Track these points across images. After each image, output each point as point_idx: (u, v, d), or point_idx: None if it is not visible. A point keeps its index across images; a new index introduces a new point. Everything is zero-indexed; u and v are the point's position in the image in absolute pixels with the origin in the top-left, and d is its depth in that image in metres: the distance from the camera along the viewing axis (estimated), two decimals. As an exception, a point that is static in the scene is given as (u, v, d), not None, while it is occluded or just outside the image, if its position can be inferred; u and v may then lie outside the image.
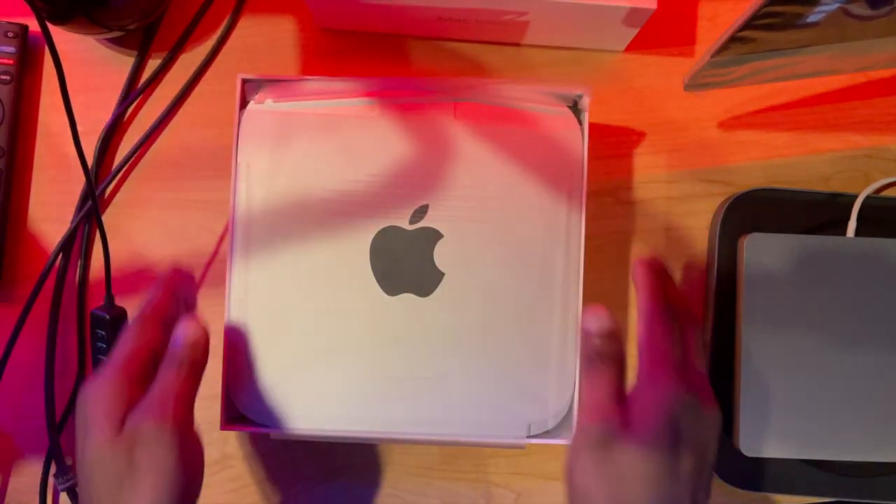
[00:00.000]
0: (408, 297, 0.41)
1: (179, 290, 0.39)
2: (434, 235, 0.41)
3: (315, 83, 0.42)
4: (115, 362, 0.35)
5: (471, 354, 0.41)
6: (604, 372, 0.34)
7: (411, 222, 0.41)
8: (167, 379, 0.35)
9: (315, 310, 0.41)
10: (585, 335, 0.35)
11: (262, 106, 0.42)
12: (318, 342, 0.41)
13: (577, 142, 0.42)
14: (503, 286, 0.41)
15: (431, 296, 0.41)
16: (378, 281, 0.41)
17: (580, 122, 0.42)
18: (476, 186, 0.41)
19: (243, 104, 0.42)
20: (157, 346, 0.36)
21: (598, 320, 0.35)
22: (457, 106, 0.42)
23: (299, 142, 0.41)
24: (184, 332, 0.37)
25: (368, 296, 0.41)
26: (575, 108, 0.43)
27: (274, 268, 0.41)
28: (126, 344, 0.36)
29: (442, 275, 0.41)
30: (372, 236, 0.41)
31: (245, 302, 0.41)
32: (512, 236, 0.41)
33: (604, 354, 0.35)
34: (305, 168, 0.41)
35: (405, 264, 0.41)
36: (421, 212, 0.41)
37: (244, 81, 0.41)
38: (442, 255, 0.41)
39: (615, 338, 0.35)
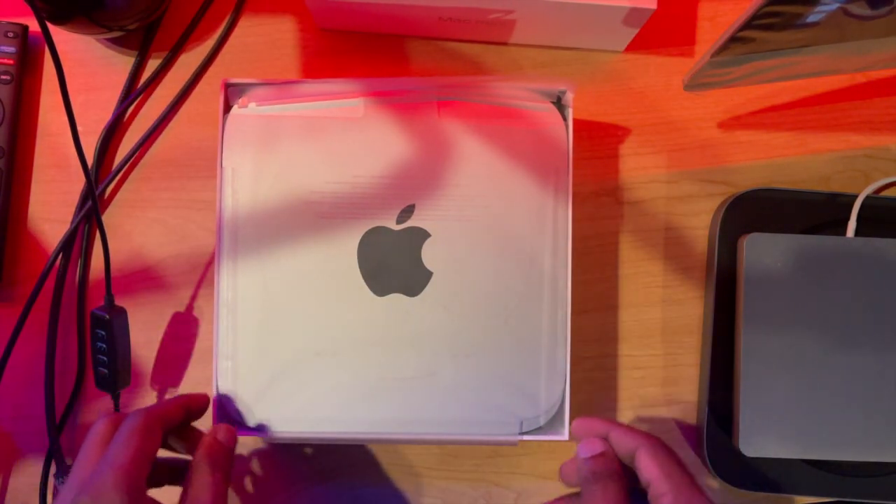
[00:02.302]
0: (397, 298, 0.41)
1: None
2: (421, 235, 0.41)
3: (299, 86, 0.42)
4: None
5: (461, 353, 0.41)
6: (609, 488, 0.35)
7: (398, 222, 0.41)
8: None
9: (304, 313, 0.41)
10: (582, 462, 0.36)
11: (246, 110, 0.42)
12: (307, 345, 0.41)
13: (562, 137, 0.42)
14: (492, 284, 0.41)
15: (420, 295, 0.41)
16: (366, 282, 0.41)
17: (564, 118, 0.42)
18: (462, 185, 0.42)
19: (227, 108, 0.42)
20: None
21: (591, 447, 0.36)
22: (441, 105, 0.42)
23: (284, 145, 0.41)
24: (225, 436, 0.37)
25: (357, 297, 0.41)
26: (559, 104, 0.43)
27: (262, 271, 0.41)
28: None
29: (430, 274, 0.41)
30: (359, 238, 0.41)
31: (234, 306, 0.41)
32: (499, 233, 0.41)
33: (602, 473, 0.35)
34: (290, 171, 0.41)
35: (393, 265, 0.41)
36: (408, 212, 0.41)
37: (227, 85, 0.41)
38: (430, 255, 0.41)
39: (609, 457, 0.36)
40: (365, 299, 0.41)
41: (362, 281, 0.41)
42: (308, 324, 0.41)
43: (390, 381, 0.41)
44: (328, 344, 0.41)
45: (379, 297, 0.41)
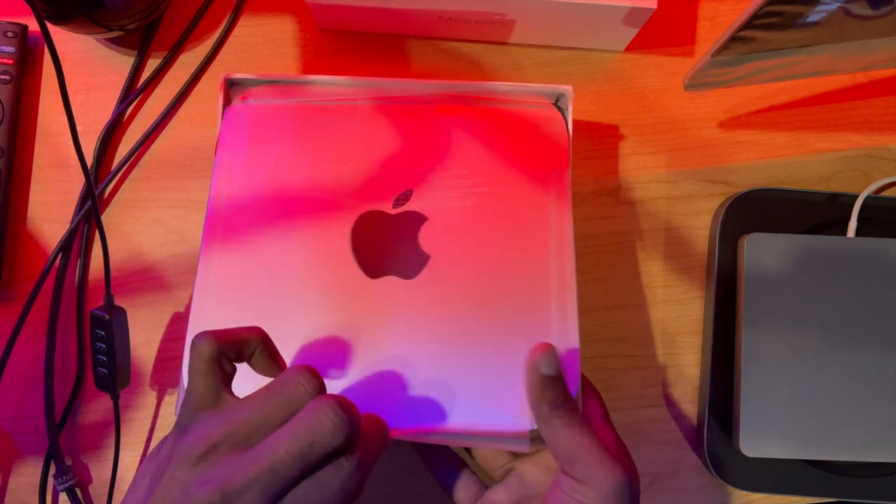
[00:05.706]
0: (391, 280, 0.40)
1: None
2: (418, 219, 0.41)
3: (300, 88, 0.42)
4: None
5: (459, 341, 0.39)
6: (577, 418, 0.33)
7: (395, 207, 0.41)
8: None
9: (292, 296, 0.39)
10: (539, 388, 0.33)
11: (245, 103, 0.42)
12: (296, 329, 0.39)
13: (562, 137, 0.42)
14: (493, 270, 0.40)
15: (416, 278, 0.40)
16: (359, 263, 0.40)
17: (564, 118, 0.42)
18: (461, 186, 0.41)
19: (227, 103, 0.42)
20: None
21: (546, 361, 0.33)
22: (441, 105, 0.42)
23: (280, 134, 0.41)
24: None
25: (349, 279, 0.39)
26: (559, 103, 0.43)
27: (250, 257, 0.40)
28: None
29: (427, 257, 0.40)
30: (353, 220, 0.40)
31: (216, 291, 0.40)
32: (499, 233, 0.40)
33: (568, 400, 0.33)
34: (286, 156, 0.41)
35: (388, 247, 0.40)
36: (404, 197, 0.41)
37: (227, 81, 0.41)
38: (427, 238, 0.40)
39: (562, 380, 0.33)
40: (357, 281, 0.39)
41: (355, 263, 0.40)
42: (295, 306, 0.39)
43: (381, 368, 0.39)
44: (318, 328, 0.39)
45: (372, 280, 0.40)
